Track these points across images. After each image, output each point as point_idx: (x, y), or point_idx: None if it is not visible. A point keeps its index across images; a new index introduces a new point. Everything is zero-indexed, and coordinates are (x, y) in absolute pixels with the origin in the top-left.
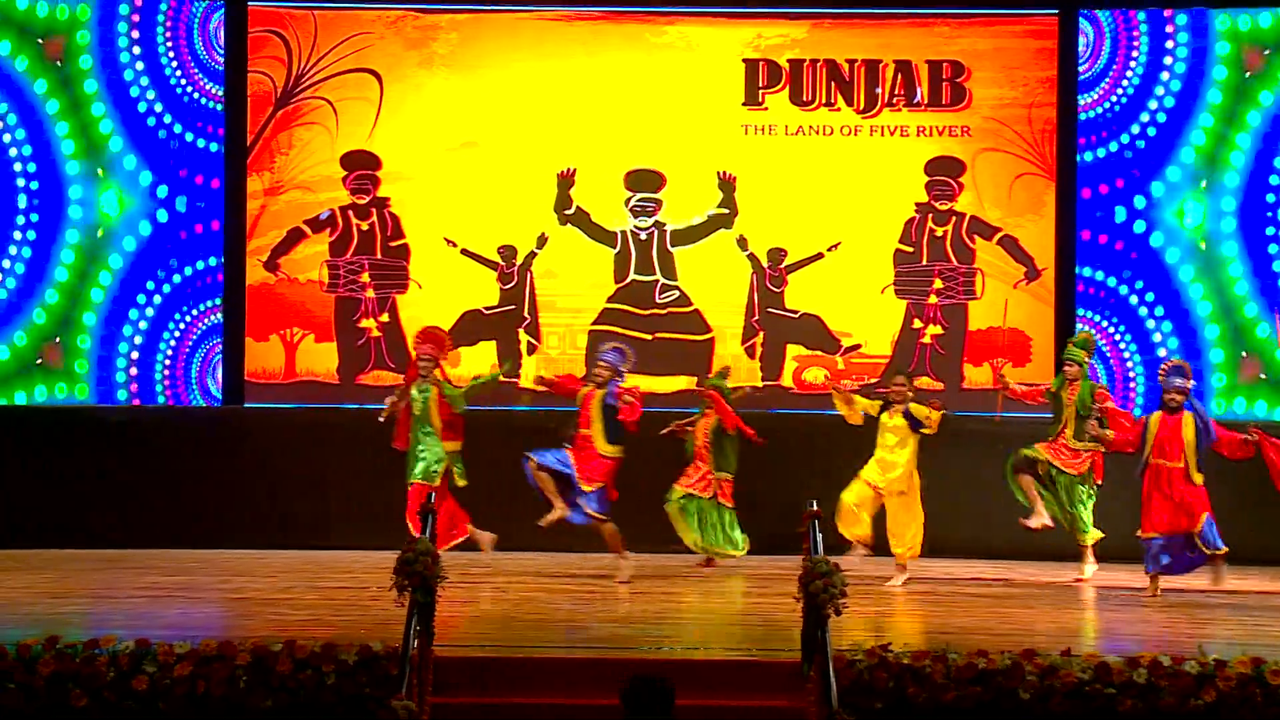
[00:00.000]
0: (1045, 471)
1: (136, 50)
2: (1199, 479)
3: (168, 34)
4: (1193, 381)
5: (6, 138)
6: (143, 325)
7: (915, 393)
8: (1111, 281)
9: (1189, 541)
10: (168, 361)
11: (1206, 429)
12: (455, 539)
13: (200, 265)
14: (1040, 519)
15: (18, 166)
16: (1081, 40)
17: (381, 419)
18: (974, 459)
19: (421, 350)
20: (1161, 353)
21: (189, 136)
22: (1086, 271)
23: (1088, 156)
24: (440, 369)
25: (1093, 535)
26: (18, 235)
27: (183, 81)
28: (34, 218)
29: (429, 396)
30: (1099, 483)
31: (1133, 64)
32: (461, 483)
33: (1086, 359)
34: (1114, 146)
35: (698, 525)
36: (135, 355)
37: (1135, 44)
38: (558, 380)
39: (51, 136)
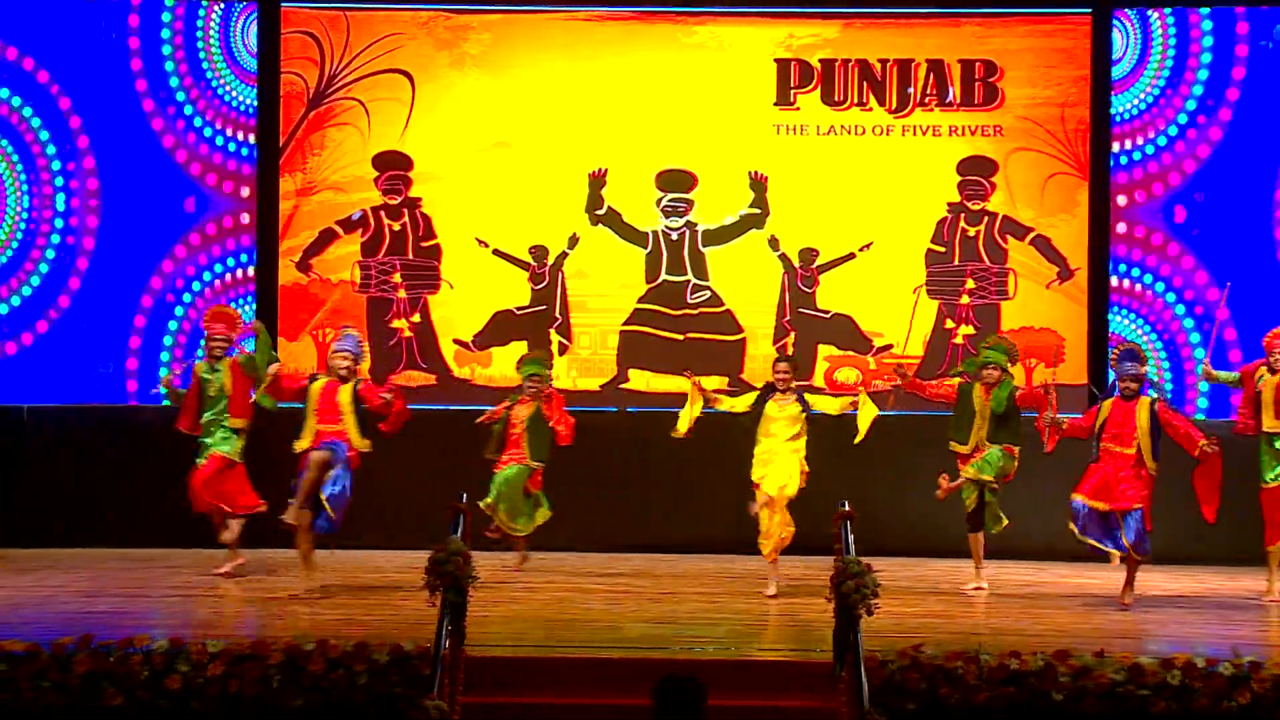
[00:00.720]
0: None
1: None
2: (1153, 466)
3: (207, 35)
4: (1147, 366)
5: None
6: (171, 325)
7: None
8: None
9: (1106, 521)
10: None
11: (1156, 416)
12: (245, 508)
13: (231, 263)
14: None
15: (55, 165)
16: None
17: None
18: None
19: (214, 330)
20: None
21: (219, 140)
22: (1135, 272)
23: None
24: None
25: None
26: (55, 238)
27: (216, 82)
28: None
29: (222, 375)
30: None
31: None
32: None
33: (1008, 363)
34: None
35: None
36: (165, 357)
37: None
38: (280, 383)
39: (91, 136)
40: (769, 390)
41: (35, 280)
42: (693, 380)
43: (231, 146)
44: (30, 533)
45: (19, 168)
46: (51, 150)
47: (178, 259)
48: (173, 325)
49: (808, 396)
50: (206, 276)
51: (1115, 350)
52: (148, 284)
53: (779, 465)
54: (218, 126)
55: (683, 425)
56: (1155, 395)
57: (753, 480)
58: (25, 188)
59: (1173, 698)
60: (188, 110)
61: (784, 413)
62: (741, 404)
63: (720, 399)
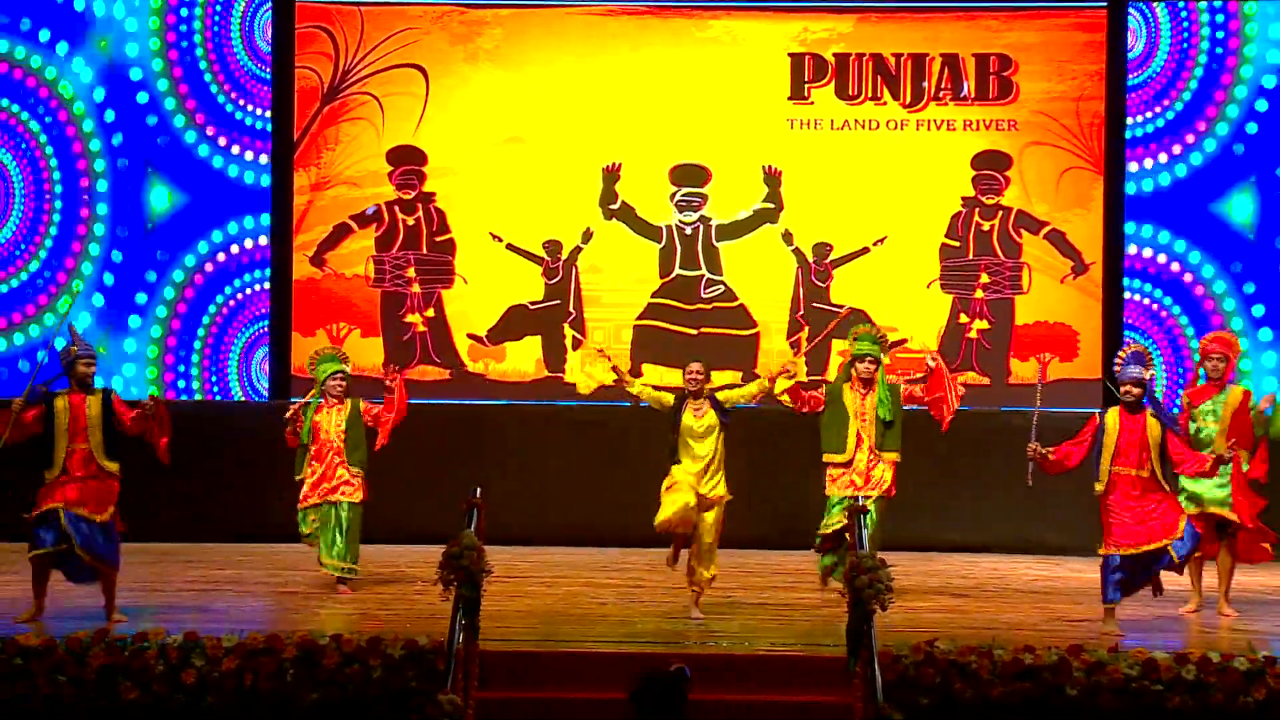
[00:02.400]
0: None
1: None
2: (1167, 488)
3: (222, 31)
4: (1153, 370)
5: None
6: (204, 320)
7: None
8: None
9: (1156, 556)
10: (208, 358)
11: (1170, 424)
12: None
13: (238, 248)
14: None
15: (82, 164)
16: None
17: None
18: (1018, 454)
19: None
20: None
21: (232, 149)
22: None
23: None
24: None
25: None
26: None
27: (225, 79)
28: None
29: None
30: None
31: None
32: None
33: (882, 352)
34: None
35: (343, 536)
36: (183, 352)
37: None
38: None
39: (99, 137)
40: (682, 399)
41: (48, 273)
42: (605, 355)
43: (239, 152)
44: None
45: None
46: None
47: (197, 255)
48: (206, 320)
49: (720, 395)
50: (206, 248)
51: (1122, 352)
52: (165, 277)
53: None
54: (234, 122)
55: (582, 385)
56: (1160, 415)
57: (675, 480)
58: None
59: (1188, 693)
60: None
61: (701, 423)
62: (660, 401)
63: (633, 383)
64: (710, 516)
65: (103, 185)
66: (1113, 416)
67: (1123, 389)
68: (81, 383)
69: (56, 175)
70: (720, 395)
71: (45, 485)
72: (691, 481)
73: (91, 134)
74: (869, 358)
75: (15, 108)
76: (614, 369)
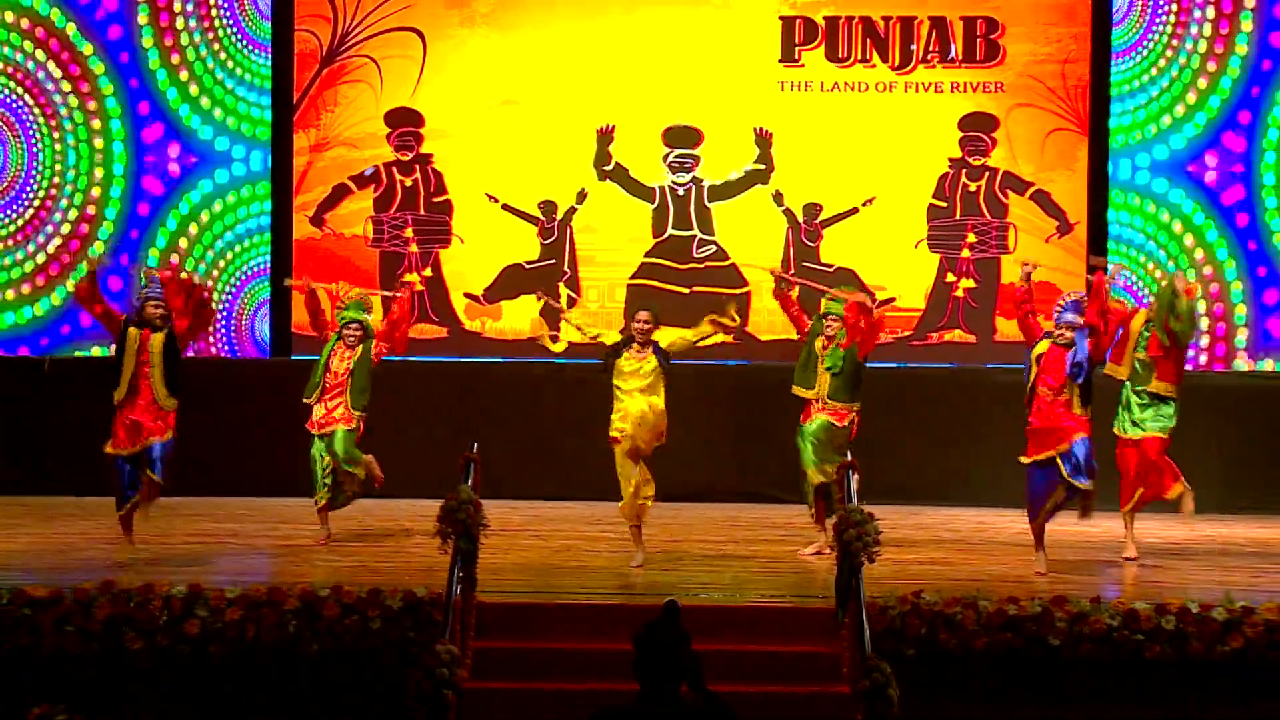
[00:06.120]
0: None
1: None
2: (1081, 411)
3: None
4: (1084, 318)
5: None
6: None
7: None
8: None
9: (1054, 466)
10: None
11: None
12: None
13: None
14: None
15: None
16: None
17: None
18: (1005, 408)
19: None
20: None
21: (233, 98)
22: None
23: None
24: None
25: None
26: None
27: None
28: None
29: None
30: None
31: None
32: None
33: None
34: None
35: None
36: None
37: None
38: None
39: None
40: (627, 342)
41: (57, 240)
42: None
43: (246, 107)
44: (54, 482)
45: (41, 122)
46: (74, 102)
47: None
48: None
49: (665, 343)
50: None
51: (1062, 300)
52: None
53: (635, 415)
54: (234, 82)
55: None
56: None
57: (611, 435)
58: (48, 142)
59: (1167, 642)
60: (200, 70)
61: (635, 366)
62: (608, 337)
63: (587, 329)
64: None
65: (119, 148)
66: (1044, 344)
67: (1057, 331)
68: (149, 322)
69: (70, 137)
70: (665, 343)
71: (116, 415)
72: (627, 444)
73: (109, 92)
74: (831, 316)
75: (31, 65)
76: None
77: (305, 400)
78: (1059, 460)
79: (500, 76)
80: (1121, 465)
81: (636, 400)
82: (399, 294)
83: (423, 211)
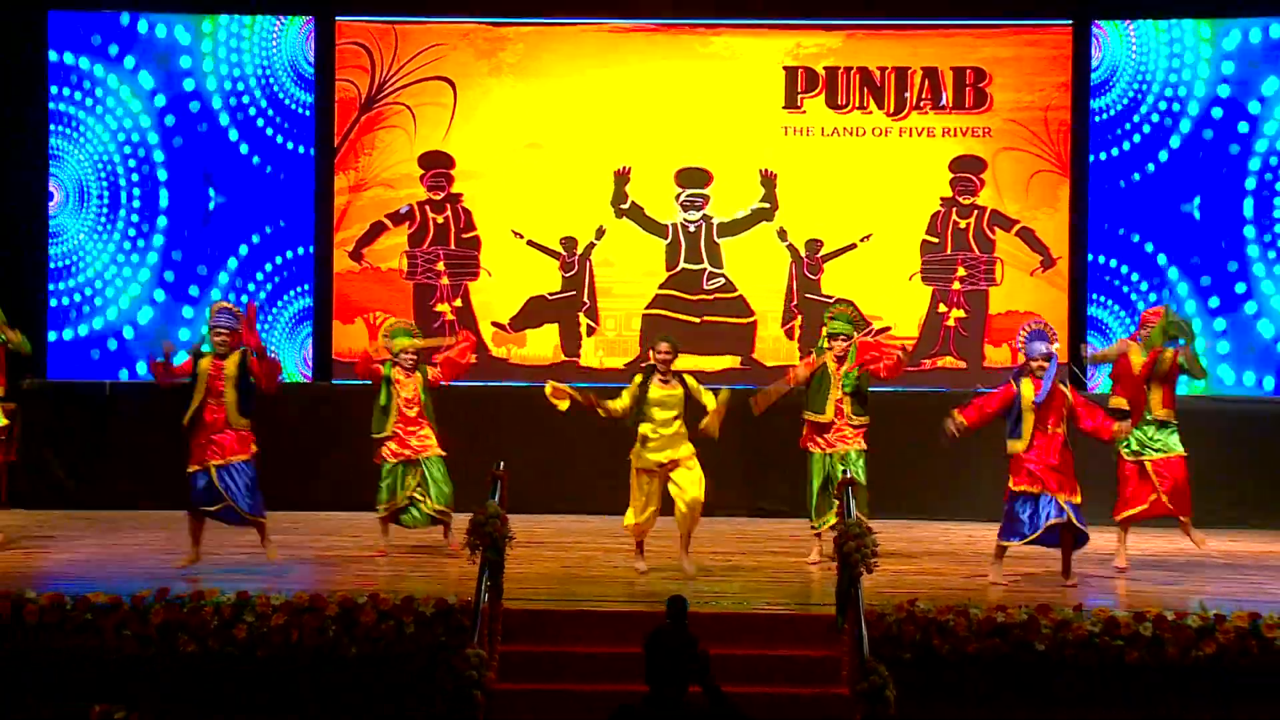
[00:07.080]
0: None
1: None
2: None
3: (273, 46)
4: (1057, 344)
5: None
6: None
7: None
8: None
9: (1055, 503)
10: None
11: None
12: None
13: (290, 255)
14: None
15: (161, 173)
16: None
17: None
18: (993, 429)
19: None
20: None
21: (279, 139)
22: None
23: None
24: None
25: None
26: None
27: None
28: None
29: None
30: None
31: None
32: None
33: (855, 331)
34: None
35: (435, 485)
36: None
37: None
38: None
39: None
40: (650, 372)
41: (128, 271)
42: (565, 393)
43: (290, 145)
44: (116, 497)
45: (107, 159)
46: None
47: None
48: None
49: (689, 381)
50: (268, 268)
51: (1023, 332)
52: (222, 270)
53: (690, 499)
54: (280, 130)
55: (562, 404)
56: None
57: (640, 466)
58: (107, 182)
59: (1145, 648)
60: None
61: (667, 394)
62: (620, 404)
63: (602, 404)
64: (686, 477)
65: (163, 194)
66: (1029, 387)
67: (1034, 364)
68: (215, 349)
69: (122, 182)
70: (689, 381)
71: (194, 437)
72: (654, 466)
73: (155, 144)
74: (841, 336)
75: (90, 119)
76: (581, 403)
77: (377, 435)
78: (1068, 509)
79: (525, 122)
80: (1121, 476)
81: (688, 476)
82: (463, 341)
83: (453, 246)
